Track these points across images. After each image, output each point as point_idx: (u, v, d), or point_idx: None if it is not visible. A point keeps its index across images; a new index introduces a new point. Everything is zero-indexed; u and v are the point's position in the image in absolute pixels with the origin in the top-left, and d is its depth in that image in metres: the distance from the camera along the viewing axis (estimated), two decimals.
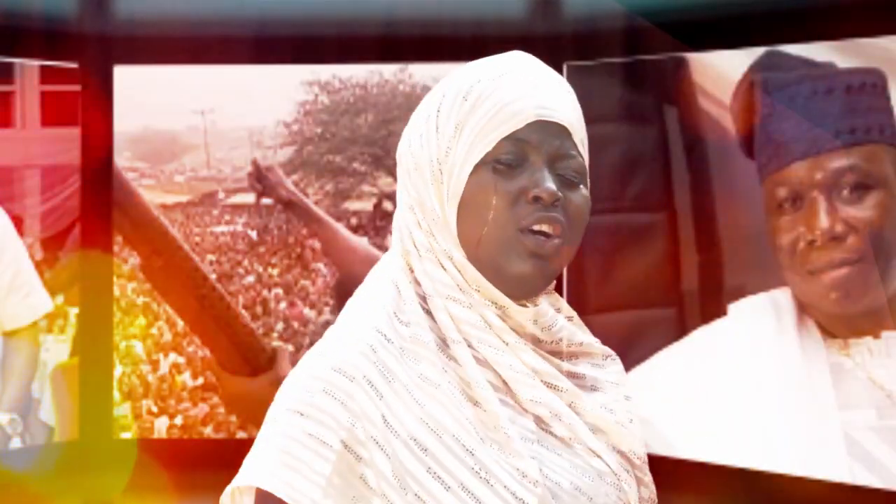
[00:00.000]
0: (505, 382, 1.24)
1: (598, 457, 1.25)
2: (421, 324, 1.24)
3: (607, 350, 1.35)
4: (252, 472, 1.20)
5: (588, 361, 1.32)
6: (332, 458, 1.17)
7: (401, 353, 1.22)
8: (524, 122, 1.24)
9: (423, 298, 1.26)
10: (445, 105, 1.27)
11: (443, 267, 1.26)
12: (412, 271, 1.28)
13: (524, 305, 1.26)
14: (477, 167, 1.24)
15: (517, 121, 1.24)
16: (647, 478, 1.31)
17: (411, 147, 1.29)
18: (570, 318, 1.33)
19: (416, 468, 1.17)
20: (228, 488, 1.23)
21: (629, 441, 1.29)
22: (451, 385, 1.20)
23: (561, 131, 1.26)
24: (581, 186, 1.27)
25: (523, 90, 1.25)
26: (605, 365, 1.33)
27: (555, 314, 1.29)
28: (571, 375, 1.28)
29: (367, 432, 1.18)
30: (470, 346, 1.24)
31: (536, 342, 1.27)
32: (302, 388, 1.21)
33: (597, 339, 1.35)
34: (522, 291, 1.25)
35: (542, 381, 1.25)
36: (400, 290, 1.27)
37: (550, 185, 1.23)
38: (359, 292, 1.31)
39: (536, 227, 1.23)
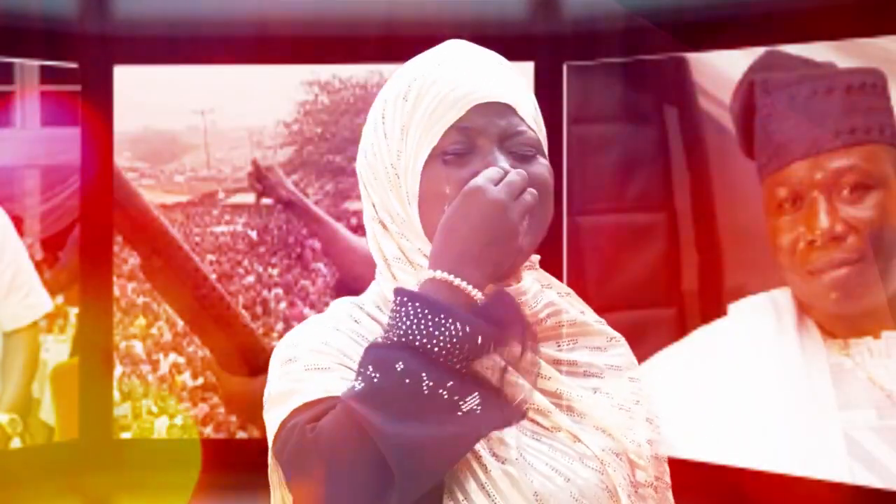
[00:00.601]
0: None
1: (580, 441, 1.24)
2: None
3: (610, 332, 1.34)
4: (274, 424, 1.22)
5: (587, 346, 1.31)
6: (330, 368, 1.21)
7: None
8: (465, 108, 1.25)
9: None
10: (388, 110, 1.28)
11: (412, 269, 1.27)
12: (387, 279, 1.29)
13: (508, 286, 1.25)
14: (428, 162, 1.25)
15: (458, 109, 1.25)
16: (645, 462, 1.28)
17: (367, 159, 1.30)
18: (565, 295, 1.32)
19: None
20: (271, 461, 1.24)
21: (621, 425, 1.27)
22: None
23: (505, 110, 1.26)
24: (538, 157, 1.27)
25: (460, 78, 1.26)
26: (607, 348, 1.33)
27: (539, 291, 1.28)
28: (559, 362, 1.28)
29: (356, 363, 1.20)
30: None
31: None
32: (287, 346, 1.25)
33: (598, 319, 1.34)
34: (498, 273, 1.23)
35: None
36: (383, 290, 1.29)
37: (504, 164, 1.23)
38: None
39: None
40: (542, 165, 1.27)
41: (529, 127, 1.27)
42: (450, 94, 1.25)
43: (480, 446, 1.19)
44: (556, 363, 1.28)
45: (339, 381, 1.20)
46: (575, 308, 1.32)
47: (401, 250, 1.28)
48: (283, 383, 1.23)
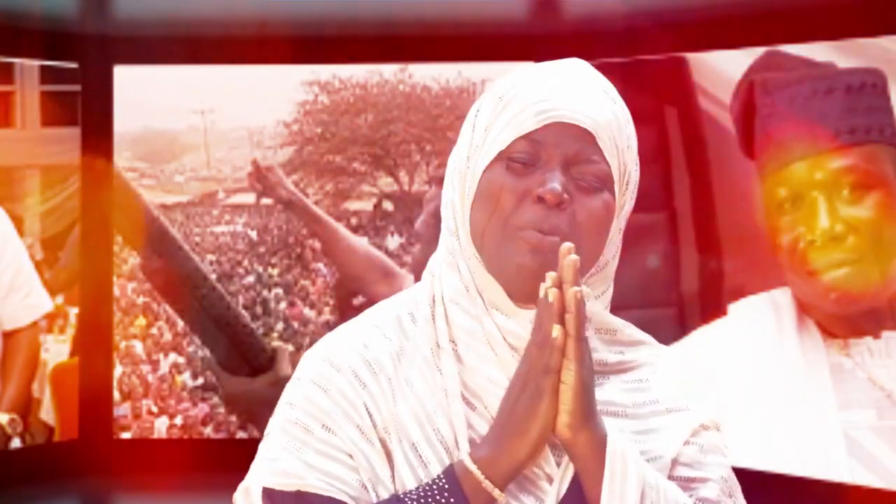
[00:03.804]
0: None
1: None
2: (424, 329, 1.27)
3: (637, 338, 1.34)
4: (253, 471, 1.29)
5: (616, 387, 1.31)
6: (311, 441, 1.24)
7: (398, 352, 1.28)
8: (542, 122, 1.24)
9: (434, 300, 1.29)
10: (484, 106, 1.30)
11: (458, 269, 1.28)
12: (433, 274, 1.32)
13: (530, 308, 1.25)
14: (492, 164, 1.25)
15: (535, 121, 1.24)
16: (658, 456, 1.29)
17: (455, 148, 1.32)
18: (610, 331, 1.32)
19: (397, 453, 1.23)
20: (241, 485, 1.31)
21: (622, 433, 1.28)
22: (429, 394, 1.24)
23: (582, 135, 1.24)
24: (602, 191, 1.25)
25: (548, 92, 1.25)
26: (641, 388, 1.33)
27: None
28: None
29: (350, 419, 1.24)
30: (457, 352, 1.26)
31: None
32: (296, 379, 1.29)
33: (632, 329, 1.34)
34: (525, 287, 1.23)
35: None
36: (423, 289, 1.31)
37: (556, 185, 1.22)
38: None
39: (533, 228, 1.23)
40: (602, 201, 1.25)
41: (604, 159, 1.24)
42: (534, 105, 1.25)
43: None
44: None
45: (315, 455, 1.24)
46: (609, 348, 1.31)
47: (452, 248, 1.29)
48: (275, 427, 1.28)
